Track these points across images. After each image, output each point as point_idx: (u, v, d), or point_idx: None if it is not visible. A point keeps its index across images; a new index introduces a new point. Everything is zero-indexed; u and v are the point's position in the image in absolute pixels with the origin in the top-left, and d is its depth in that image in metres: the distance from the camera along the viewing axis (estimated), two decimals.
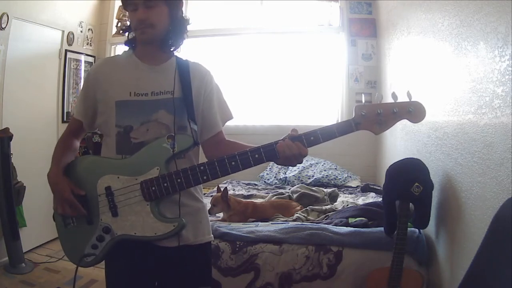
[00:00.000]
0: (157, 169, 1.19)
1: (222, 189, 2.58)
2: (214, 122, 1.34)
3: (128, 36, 1.32)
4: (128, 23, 1.31)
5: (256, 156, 1.15)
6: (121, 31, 1.30)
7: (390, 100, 1.16)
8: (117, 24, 4.14)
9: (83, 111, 1.32)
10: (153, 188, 1.18)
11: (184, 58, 1.34)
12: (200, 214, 1.33)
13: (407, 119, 1.13)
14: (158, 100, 1.24)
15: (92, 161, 1.32)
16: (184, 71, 1.29)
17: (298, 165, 3.40)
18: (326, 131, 1.14)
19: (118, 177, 1.20)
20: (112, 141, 1.24)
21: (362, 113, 1.12)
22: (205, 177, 1.17)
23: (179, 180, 1.17)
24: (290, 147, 1.13)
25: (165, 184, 1.17)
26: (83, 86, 1.34)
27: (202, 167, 1.16)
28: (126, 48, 1.35)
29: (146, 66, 1.28)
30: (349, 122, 1.13)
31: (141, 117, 1.23)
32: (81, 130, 1.38)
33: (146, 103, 1.23)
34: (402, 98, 1.16)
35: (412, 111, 1.11)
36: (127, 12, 1.27)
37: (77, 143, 1.39)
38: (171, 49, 1.31)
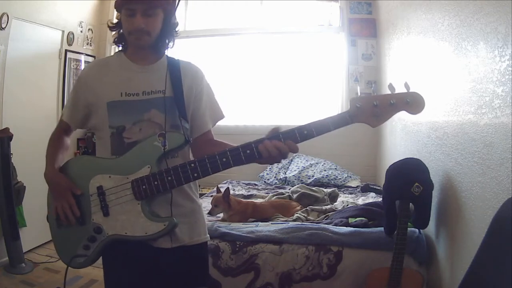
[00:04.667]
0: (148, 167, 1.18)
1: (222, 189, 2.57)
2: (203, 121, 1.34)
3: (118, 33, 1.30)
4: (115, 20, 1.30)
5: (248, 152, 1.12)
6: (109, 27, 1.27)
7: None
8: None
9: (71, 115, 1.32)
10: (144, 187, 1.17)
11: (175, 57, 1.33)
12: (195, 215, 1.32)
13: (405, 110, 1.08)
14: (149, 100, 1.24)
15: (85, 161, 1.32)
16: (175, 70, 1.28)
17: (298, 164, 3.37)
18: (320, 125, 1.10)
19: (109, 177, 1.20)
20: (107, 142, 1.24)
21: (358, 105, 1.08)
22: (195, 175, 1.15)
23: (169, 178, 1.16)
24: (279, 146, 1.09)
25: (156, 183, 1.16)
26: (73, 89, 1.33)
27: (192, 164, 1.15)
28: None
29: (137, 66, 1.27)
30: (344, 115, 1.10)
31: (133, 117, 1.22)
32: (70, 130, 1.38)
33: (137, 103, 1.23)
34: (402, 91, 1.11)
35: (410, 102, 1.06)
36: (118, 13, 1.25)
37: (68, 141, 1.40)
38: (162, 50, 1.31)
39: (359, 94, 1.12)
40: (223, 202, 2.47)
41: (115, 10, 1.29)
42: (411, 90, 1.08)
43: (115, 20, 1.32)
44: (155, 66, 1.29)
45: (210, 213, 2.48)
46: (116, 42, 1.32)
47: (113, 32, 1.32)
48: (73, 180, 1.24)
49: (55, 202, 1.24)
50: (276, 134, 1.11)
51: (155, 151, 1.18)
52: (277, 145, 1.09)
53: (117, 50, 1.36)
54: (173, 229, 1.19)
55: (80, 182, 1.23)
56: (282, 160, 1.14)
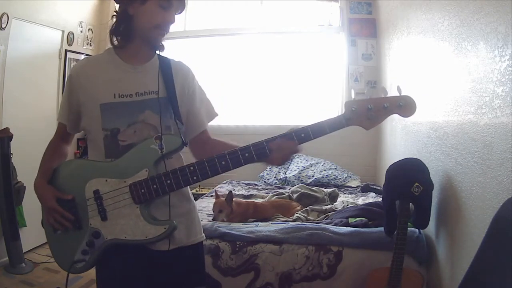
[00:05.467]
0: (146, 170, 1.16)
1: (219, 193, 2.57)
2: (199, 121, 1.33)
3: (124, 25, 1.20)
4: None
5: (246, 155, 1.13)
6: (114, 17, 1.23)
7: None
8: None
9: (67, 114, 1.28)
10: (143, 191, 1.16)
11: (166, 57, 1.31)
12: (191, 215, 1.32)
13: (397, 113, 1.12)
14: (143, 101, 1.21)
15: (79, 165, 1.29)
16: (166, 70, 1.26)
17: (298, 164, 3.39)
18: (317, 128, 1.13)
19: (106, 180, 1.18)
20: (100, 145, 1.21)
21: (353, 108, 1.11)
22: (195, 178, 1.15)
23: (168, 182, 1.15)
24: (282, 147, 1.12)
25: (155, 186, 1.15)
26: (65, 88, 1.29)
27: (191, 168, 1.14)
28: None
29: (129, 66, 1.24)
30: (340, 118, 1.13)
31: (127, 119, 1.20)
32: (68, 134, 1.35)
33: (131, 104, 1.20)
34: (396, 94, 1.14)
35: (403, 105, 1.10)
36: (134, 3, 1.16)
37: (67, 148, 1.36)
38: (159, 50, 1.28)
39: (353, 97, 1.15)
40: (227, 206, 2.46)
41: (123, 2, 1.19)
42: (403, 94, 1.11)
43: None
44: (147, 65, 1.26)
45: (215, 219, 2.45)
46: (117, 33, 1.23)
47: (113, 23, 1.24)
48: (66, 184, 1.22)
49: (45, 214, 1.23)
50: (286, 133, 1.14)
51: (152, 154, 1.17)
52: (279, 144, 1.12)
53: (107, 47, 1.30)
54: (173, 232, 1.19)
55: (75, 187, 1.21)
56: (286, 161, 1.16)
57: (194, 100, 1.31)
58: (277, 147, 1.13)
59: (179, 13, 1.24)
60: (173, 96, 1.24)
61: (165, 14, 1.17)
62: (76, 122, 1.28)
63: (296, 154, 1.16)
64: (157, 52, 1.28)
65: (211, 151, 1.19)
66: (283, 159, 1.15)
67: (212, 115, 1.38)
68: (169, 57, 1.32)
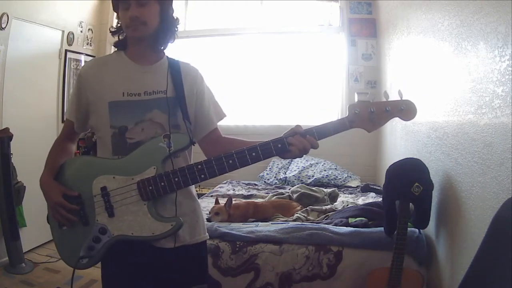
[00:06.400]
0: (154, 168, 1.18)
1: (219, 200, 2.58)
2: (208, 119, 1.35)
3: (118, 37, 1.32)
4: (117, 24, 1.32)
5: (253, 154, 1.15)
6: (111, 33, 1.31)
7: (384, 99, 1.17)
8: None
9: (75, 112, 1.30)
10: (150, 188, 1.17)
11: (174, 58, 1.34)
12: (196, 214, 1.33)
13: (398, 117, 1.15)
14: (151, 100, 1.24)
15: (86, 162, 1.30)
16: (175, 71, 1.29)
17: (298, 164, 3.39)
18: (322, 129, 1.16)
19: (113, 177, 1.20)
20: (108, 142, 1.23)
21: (356, 111, 1.14)
22: (202, 176, 1.16)
23: (176, 179, 1.17)
24: (302, 140, 1.14)
25: (162, 184, 1.17)
26: (74, 87, 1.32)
27: (199, 166, 1.16)
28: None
29: (138, 66, 1.27)
30: (343, 120, 1.16)
31: (135, 117, 1.22)
32: (75, 133, 1.36)
33: (139, 103, 1.23)
34: (397, 97, 1.17)
35: (404, 109, 1.14)
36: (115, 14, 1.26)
37: (72, 147, 1.38)
38: (161, 48, 1.31)
39: (356, 100, 1.18)
40: (225, 212, 2.47)
41: (114, 12, 1.30)
42: (404, 98, 1.15)
43: (115, 21, 1.33)
44: (156, 66, 1.29)
45: (209, 220, 2.47)
46: (116, 44, 1.32)
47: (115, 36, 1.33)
48: (73, 181, 1.23)
49: (51, 210, 1.23)
50: (296, 131, 1.16)
51: (160, 152, 1.19)
52: (300, 140, 1.14)
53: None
54: (180, 229, 1.20)
55: (82, 183, 1.22)
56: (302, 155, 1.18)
57: (202, 100, 1.33)
58: (297, 141, 1.15)
59: (143, 1, 1.21)
60: (181, 96, 1.26)
61: (128, 13, 1.21)
62: (84, 122, 1.31)
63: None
64: (166, 52, 1.32)
65: (223, 150, 1.20)
66: (301, 152, 1.16)
67: (221, 115, 1.40)
68: (177, 59, 1.34)
